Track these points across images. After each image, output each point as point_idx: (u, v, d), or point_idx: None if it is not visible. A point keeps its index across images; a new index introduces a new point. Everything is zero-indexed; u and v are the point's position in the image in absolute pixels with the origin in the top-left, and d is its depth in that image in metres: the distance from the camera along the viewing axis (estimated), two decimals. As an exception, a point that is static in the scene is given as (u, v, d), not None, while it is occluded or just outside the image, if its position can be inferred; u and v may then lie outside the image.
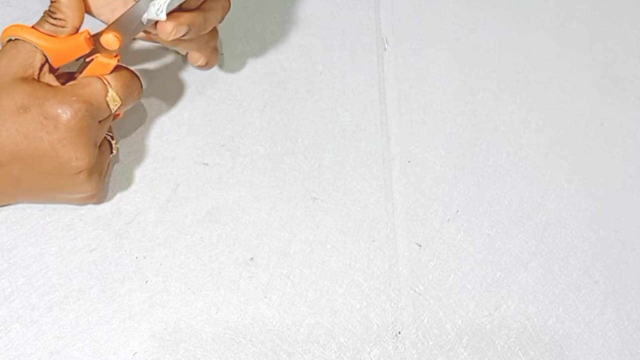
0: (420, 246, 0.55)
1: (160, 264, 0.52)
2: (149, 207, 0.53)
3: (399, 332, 0.52)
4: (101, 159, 0.49)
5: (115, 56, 0.47)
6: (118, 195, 0.53)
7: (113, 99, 0.47)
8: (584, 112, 0.61)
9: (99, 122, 0.47)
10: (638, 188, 0.59)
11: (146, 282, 0.51)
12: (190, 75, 0.57)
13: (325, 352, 0.51)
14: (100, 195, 0.51)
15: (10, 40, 0.46)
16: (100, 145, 0.48)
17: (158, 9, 0.47)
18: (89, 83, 0.46)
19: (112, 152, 0.51)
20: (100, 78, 0.47)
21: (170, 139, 0.55)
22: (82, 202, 0.51)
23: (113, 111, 0.47)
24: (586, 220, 0.57)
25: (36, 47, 0.45)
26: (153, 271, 0.51)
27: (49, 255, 0.51)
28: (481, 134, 0.59)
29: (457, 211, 0.56)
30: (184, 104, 0.57)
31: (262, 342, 0.51)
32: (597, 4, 0.65)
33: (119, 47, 0.47)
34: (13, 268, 0.50)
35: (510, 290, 0.54)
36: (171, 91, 0.57)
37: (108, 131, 0.50)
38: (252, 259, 0.53)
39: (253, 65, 0.59)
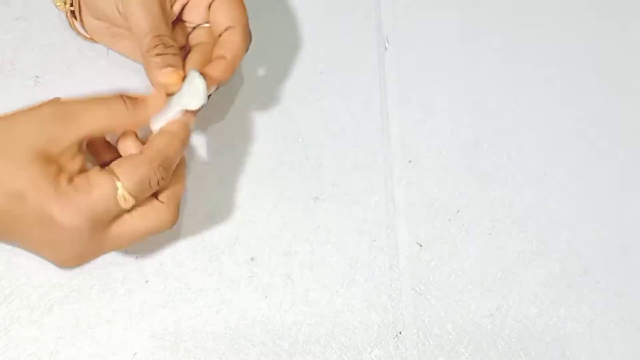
0: (421, 246, 0.55)
1: (160, 264, 0.52)
2: (149, 207, 0.53)
3: (400, 332, 0.52)
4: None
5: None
6: (118, 195, 0.53)
7: (124, 199, 0.40)
8: (585, 112, 0.61)
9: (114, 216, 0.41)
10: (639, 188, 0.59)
11: (146, 282, 0.51)
12: (191, 75, 0.57)
13: (326, 352, 0.51)
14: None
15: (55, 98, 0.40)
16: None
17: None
18: (97, 184, 0.40)
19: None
20: (110, 175, 0.40)
21: (171, 139, 0.55)
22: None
23: (127, 208, 0.41)
24: (587, 219, 0.57)
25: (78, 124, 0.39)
26: (153, 271, 0.51)
27: (49, 255, 0.51)
28: (482, 134, 0.59)
29: (458, 211, 0.56)
30: (184, 104, 0.56)
31: (263, 342, 0.51)
32: (598, 3, 0.65)
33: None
34: (13, 268, 0.50)
35: (512, 290, 0.54)
36: (171, 91, 0.57)
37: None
38: (252, 259, 0.53)
39: (253, 65, 0.59)
